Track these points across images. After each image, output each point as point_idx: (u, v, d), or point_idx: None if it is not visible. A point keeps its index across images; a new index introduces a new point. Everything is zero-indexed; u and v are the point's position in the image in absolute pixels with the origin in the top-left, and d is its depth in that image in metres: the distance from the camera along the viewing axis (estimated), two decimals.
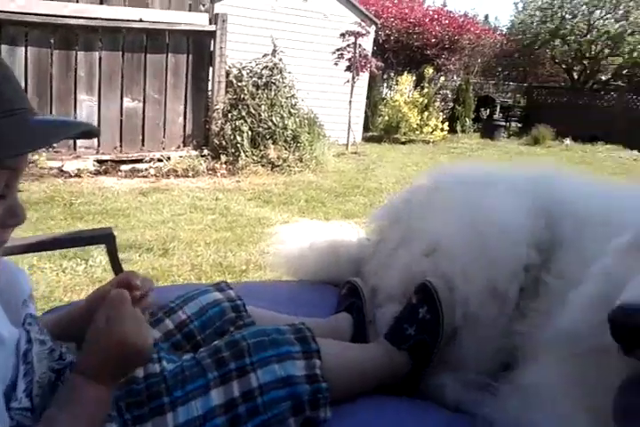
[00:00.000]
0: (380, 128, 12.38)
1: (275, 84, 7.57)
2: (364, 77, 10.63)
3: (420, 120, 12.00)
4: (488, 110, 15.05)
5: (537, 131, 13.19)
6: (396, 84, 12.89)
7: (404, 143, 11.63)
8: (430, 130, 12.04)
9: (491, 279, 1.45)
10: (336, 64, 9.46)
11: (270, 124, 7.30)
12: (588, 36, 17.39)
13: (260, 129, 7.29)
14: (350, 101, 9.53)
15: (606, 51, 17.66)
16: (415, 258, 1.57)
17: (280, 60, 7.83)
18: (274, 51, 7.79)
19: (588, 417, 1.02)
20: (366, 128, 12.20)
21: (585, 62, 18.22)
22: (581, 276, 1.13)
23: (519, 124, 15.96)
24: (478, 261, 1.47)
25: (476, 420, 1.17)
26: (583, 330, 1.04)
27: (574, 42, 17.63)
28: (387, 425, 1.19)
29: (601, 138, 13.26)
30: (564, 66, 18.87)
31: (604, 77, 18.86)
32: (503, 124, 14.90)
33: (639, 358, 0.83)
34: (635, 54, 16.66)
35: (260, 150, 7.25)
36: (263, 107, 7.31)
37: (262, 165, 7.18)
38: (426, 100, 12.34)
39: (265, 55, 7.81)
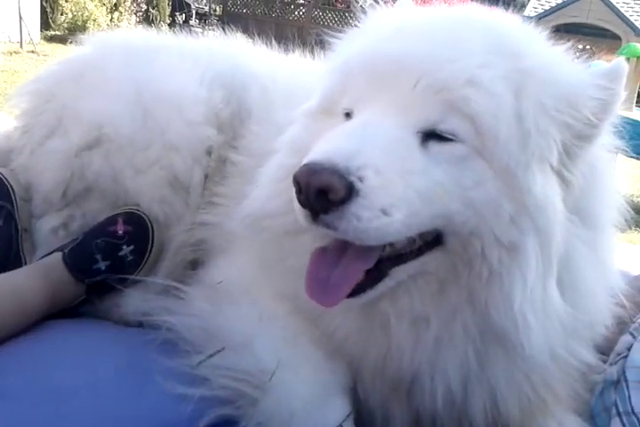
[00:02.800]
0: (64, 27, 10.86)
1: None
2: None
3: (111, 21, 10.88)
4: (184, 15, 14.42)
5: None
6: None
7: None
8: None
9: (169, 169, 1.23)
10: None
11: None
12: None
13: None
14: None
15: None
16: (74, 149, 1.25)
17: None
18: None
19: (286, 305, 0.94)
20: (47, 26, 10.57)
21: None
22: (271, 150, 1.00)
23: (216, 33, 15.70)
24: (151, 148, 1.23)
25: (162, 331, 0.97)
26: (271, 209, 0.92)
27: None
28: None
29: (293, 51, 13.89)
30: None
31: None
32: (200, 30, 14.47)
33: (326, 226, 0.73)
34: None
35: None
36: None
37: None
38: None
39: None
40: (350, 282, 0.78)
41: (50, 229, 1.27)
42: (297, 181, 0.72)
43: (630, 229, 0.90)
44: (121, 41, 1.40)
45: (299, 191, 0.72)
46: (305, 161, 0.73)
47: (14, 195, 1.26)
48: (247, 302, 0.97)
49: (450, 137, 0.76)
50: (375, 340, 0.87)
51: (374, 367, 0.89)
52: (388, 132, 0.75)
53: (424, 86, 0.75)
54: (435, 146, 0.76)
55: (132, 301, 1.17)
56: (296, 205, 0.75)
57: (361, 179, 0.69)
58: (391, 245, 0.80)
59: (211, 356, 0.87)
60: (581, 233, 0.81)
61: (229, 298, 0.99)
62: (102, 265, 1.15)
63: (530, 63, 0.78)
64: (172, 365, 0.88)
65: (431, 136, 0.76)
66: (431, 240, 0.80)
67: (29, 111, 1.35)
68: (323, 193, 0.69)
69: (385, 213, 0.71)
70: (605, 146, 0.87)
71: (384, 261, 0.80)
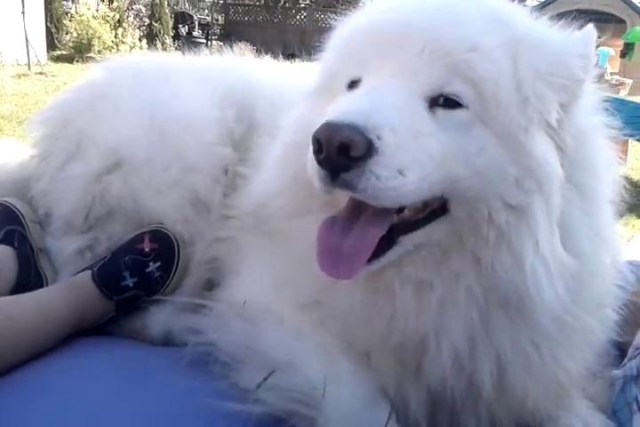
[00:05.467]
0: (70, 46, 10.99)
1: None
2: None
3: (115, 37, 10.97)
4: (187, 27, 14.52)
5: (238, 49, 13.19)
6: None
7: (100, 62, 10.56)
8: (128, 48, 11.09)
9: (190, 189, 1.25)
10: None
11: None
12: None
13: None
14: (23, 13, 8.12)
15: None
16: (93, 173, 1.27)
17: None
18: None
19: (309, 316, 0.95)
20: (53, 46, 10.71)
21: None
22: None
23: (220, 42, 15.81)
24: (170, 169, 1.25)
25: (193, 348, 0.97)
26: (275, 189, 0.94)
27: None
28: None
29: (297, 55, 13.92)
30: None
31: None
32: (204, 41, 14.58)
33: (344, 185, 0.73)
34: None
35: None
36: None
37: None
38: (118, 15, 11.28)
39: None
40: (368, 248, 0.78)
41: (75, 251, 1.29)
42: (317, 139, 0.72)
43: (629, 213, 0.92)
44: (131, 65, 1.42)
45: (318, 151, 0.73)
46: (324, 121, 0.73)
47: (24, 218, 1.30)
48: (276, 320, 0.97)
49: (455, 99, 0.78)
50: (380, 308, 0.87)
51: (381, 338, 0.88)
52: (399, 95, 0.77)
53: (430, 52, 0.78)
54: (440, 111, 0.78)
55: (159, 319, 1.18)
56: (313, 167, 0.76)
57: (379, 137, 0.71)
58: (400, 212, 0.81)
59: (265, 379, 0.86)
60: (577, 201, 0.83)
61: (259, 316, 0.99)
62: (130, 282, 1.17)
63: (521, 31, 0.82)
64: (218, 385, 0.87)
65: (437, 103, 0.79)
66: (437, 208, 0.82)
67: (46, 138, 1.37)
68: (343, 150, 0.70)
69: (401, 173, 0.72)
70: (597, 123, 0.90)
71: (393, 229, 0.81)
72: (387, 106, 0.75)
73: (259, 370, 0.88)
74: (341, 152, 0.70)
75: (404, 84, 0.78)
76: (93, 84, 1.40)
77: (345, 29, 0.93)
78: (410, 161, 0.73)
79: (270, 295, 1.01)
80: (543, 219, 0.79)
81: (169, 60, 1.45)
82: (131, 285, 1.17)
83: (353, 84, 0.85)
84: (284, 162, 0.93)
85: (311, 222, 0.86)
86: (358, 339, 0.91)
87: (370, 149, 0.70)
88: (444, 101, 0.78)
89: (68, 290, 1.15)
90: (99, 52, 10.74)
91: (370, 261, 0.79)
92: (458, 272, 0.82)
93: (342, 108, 0.77)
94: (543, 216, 0.79)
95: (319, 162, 0.74)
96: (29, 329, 1.03)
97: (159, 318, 1.17)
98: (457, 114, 0.78)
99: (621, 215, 0.96)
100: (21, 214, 1.29)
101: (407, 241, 0.82)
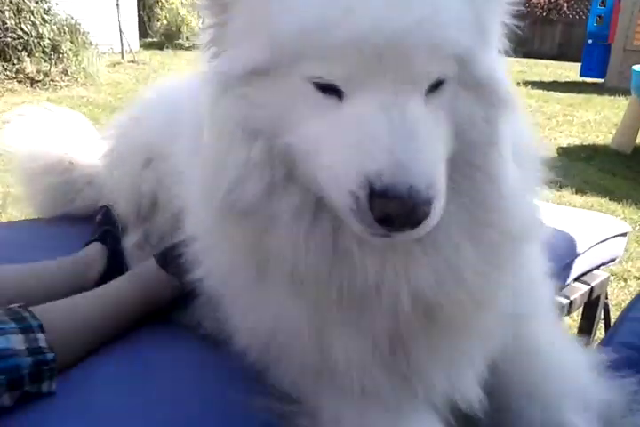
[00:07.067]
0: (160, 33, 11.50)
1: None
2: None
3: (202, 24, 11.31)
4: None
5: None
6: None
7: (188, 49, 10.98)
8: None
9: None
10: None
11: (21, 33, 6.31)
12: None
13: (9, 39, 6.28)
14: (117, 4, 8.60)
15: None
16: (135, 170, 1.44)
17: None
18: None
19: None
20: (144, 34, 11.24)
21: None
22: None
23: None
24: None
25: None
26: (248, 193, 0.83)
27: None
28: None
29: None
30: None
31: None
32: None
33: (393, 239, 0.74)
34: None
35: (14, 64, 6.31)
36: (7, 13, 6.25)
37: (19, 82, 6.28)
38: None
39: None
40: None
41: (135, 245, 1.46)
42: (386, 213, 0.70)
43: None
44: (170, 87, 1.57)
45: (383, 220, 0.70)
46: (383, 183, 0.69)
47: (116, 220, 1.50)
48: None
49: (442, 79, 0.75)
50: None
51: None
52: (418, 117, 0.73)
53: (427, 55, 0.72)
54: (432, 98, 0.75)
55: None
56: (358, 219, 0.72)
57: (433, 199, 0.70)
58: None
59: None
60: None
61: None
62: None
63: None
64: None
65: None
66: None
67: (105, 154, 1.59)
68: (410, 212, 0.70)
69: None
70: None
71: None
72: (423, 150, 0.71)
73: None
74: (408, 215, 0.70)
75: (412, 95, 0.73)
76: (144, 101, 1.58)
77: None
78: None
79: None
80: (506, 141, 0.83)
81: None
82: None
83: (328, 88, 0.74)
84: (253, 169, 0.80)
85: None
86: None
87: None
88: (431, 87, 0.75)
89: (133, 278, 1.27)
90: (187, 38, 11.19)
91: None
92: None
93: (388, 160, 0.69)
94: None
95: (381, 219, 0.70)
96: (95, 319, 1.15)
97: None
98: (444, 91, 0.76)
99: None
100: (115, 217, 1.48)
101: None
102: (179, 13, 11.10)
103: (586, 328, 1.94)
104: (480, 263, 0.85)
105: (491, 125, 0.81)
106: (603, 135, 6.10)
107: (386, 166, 0.69)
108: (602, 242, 1.80)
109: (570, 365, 1.04)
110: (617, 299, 2.67)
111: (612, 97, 8.14)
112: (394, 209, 0.69)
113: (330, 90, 0.74)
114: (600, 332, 2.02)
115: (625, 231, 1.91)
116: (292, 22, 0.72)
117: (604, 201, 4.04)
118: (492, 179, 0.83)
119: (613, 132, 5.93)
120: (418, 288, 0.83)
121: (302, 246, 0.82)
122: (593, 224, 1.89)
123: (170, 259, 1.29)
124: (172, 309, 1.30)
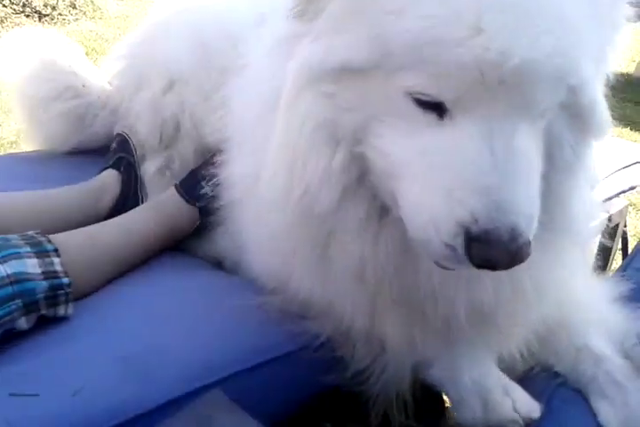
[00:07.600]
0: None
1: None
2: None
3: None
4: None
5: None
6: None
7: None
8: None
9: None
10: None
11: None
12: None
13: None
14: None
15: None
16: (157, 96, 1.40)
17: None
18: None
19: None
20: None
21: None
22: None
23: None
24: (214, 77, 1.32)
25: None
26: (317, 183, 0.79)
27: None
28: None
29: None
30: None
31: None
32: None
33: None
34: None
35: None
36: None
37: (27, 16, 6.09)
38: None
39: None
40: None
41: (156, 171, 1.44)
42: (486, 259, 0.64)
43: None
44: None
45: (482, 265, 0.66)
46: (481, 227, 0.63)
47: (134, 149, 1.46)
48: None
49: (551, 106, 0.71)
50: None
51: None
52: (522, 147, 0.66)
53: (549, 86, 0.66)
54: (535, 125, 0.70)
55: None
56: (452, 264, 0.70)
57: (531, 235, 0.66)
58: None
59: None
60: None
61: None
62: (208, 190, 1.26)
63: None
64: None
65: None
66: None
67: (118, 74, 1.51)
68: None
69: None
70: None
71: None
72: (529, 183, 0.67)
73: None
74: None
75: (521, 124, 0.66)
76: (152, 20, 1.50)
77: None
78: None
79: None
80: None
81: None
82: (209, 193, 1.26)
83: (430, 105, 0.66)
84: (324, 148, 0.74)
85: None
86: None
87: None
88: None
89: (154, 207, 1.27)
90: None
91: None
92: None
93: (493, 199, 0.63)
94: None
95: (480, 265, 0.65)
96: (112, 247, 1.13)
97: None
98: (546, 116, 0.71)
99: None
100: (133, 145, 1.45)
101: None
102: None
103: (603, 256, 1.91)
104: (541, 273, 0.85)
105: (576, 153, 0.77)
106: (626, 64, 5.85)
107: (483, 207, 0.63)
108: (622, 169, 1.76)
109: (594, 296, 1.06)
110: (635, 229, 2.63)
111: (636, 23, 7.73)
112: (495, 255, 0.63)
113: (431, 107, 0.66)
114: (616, 262, 1.99)
115: None
116: (407, 30, 0.63)
117: (626, 131, 3.94)
118: (562, 204, 0.80)
119: (637, 60, 5.68)
120: (475, 299, 0.83)
121: (370, 250, 0.80)
122: (612, 151, 1.84)
123: (191, 189, 1.26)
124: (190, 239, 1.29)
